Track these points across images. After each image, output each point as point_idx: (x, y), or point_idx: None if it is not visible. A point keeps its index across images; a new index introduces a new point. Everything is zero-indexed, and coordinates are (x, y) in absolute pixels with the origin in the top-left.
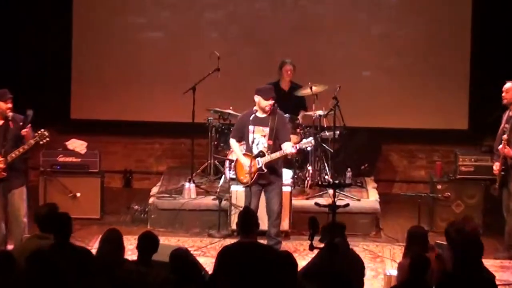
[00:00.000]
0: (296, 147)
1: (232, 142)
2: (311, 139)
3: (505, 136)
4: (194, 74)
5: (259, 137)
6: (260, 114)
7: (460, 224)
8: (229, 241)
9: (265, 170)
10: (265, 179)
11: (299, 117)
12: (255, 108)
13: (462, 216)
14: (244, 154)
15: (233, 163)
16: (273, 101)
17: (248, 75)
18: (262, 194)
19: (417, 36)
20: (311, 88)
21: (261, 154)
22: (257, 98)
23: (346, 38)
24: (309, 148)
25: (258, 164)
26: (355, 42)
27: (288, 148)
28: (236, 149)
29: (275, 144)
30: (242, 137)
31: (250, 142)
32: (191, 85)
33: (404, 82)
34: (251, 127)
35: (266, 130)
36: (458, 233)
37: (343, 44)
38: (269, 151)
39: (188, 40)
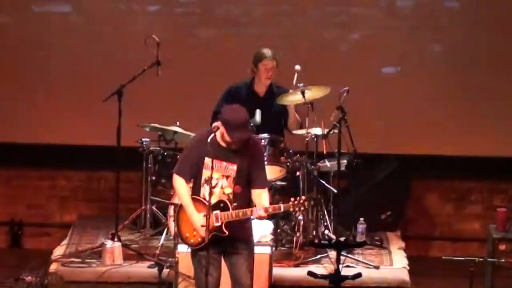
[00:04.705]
0: (269, 210)
1: (177, 181)
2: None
3: None
4: (119, 72)
5: (219, 179)
6: (224, 143)
7: None
8: None
9: (226, 233)
10: (223, 244)
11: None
12: (218, 129)
13: None
14: (193, 199)
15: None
16: (246, 138)
17: (205, 72)
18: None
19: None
20: (302, 93)
21: (222, 206)
22: (220, 125)
23: (359, 14)
24: (298, 215)
25: (217, 221)
26: (374, 20)
27: (259, 208)
28: (183, 192)
29: (243, 192)
30: (192, 175)
31: (201, 182)
32: (115, 87)
33: (450, 85)
34: (208, 160)
35: (232, 169)
36: None
37: (354, 24)
38: (234, 204)
39: (111, 20)
